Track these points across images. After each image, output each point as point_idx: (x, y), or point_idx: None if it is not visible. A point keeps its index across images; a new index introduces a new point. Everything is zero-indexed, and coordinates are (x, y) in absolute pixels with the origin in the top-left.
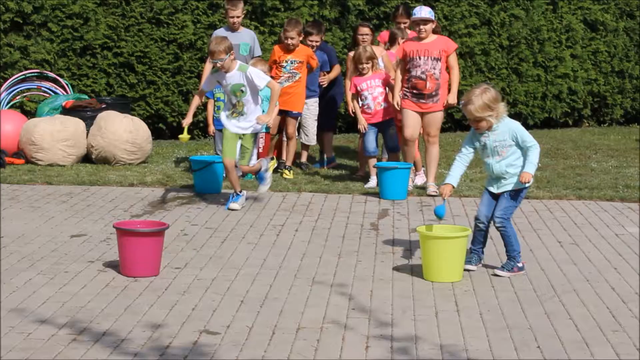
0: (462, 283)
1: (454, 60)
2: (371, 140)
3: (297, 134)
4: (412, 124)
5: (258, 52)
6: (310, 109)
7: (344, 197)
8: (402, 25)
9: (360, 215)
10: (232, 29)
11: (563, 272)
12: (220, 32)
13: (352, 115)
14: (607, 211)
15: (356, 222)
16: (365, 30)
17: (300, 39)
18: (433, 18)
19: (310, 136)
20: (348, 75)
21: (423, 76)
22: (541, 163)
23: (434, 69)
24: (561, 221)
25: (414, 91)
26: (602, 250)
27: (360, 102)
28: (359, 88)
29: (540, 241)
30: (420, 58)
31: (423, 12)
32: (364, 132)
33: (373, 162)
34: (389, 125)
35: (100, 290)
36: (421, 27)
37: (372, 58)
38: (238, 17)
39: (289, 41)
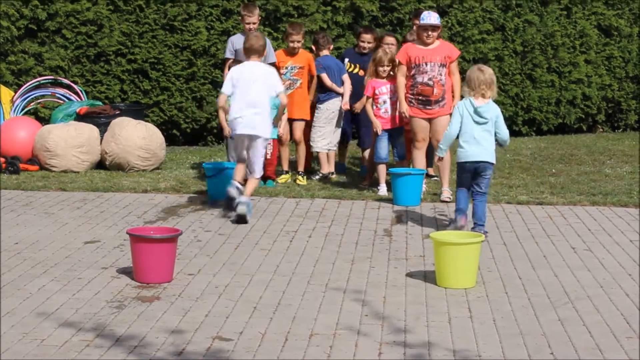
0: (475, 289)
1: (455, 67)
2: (383, 147)
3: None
4: (421, 130)
5: (272, 58)
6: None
7: (358, 203)
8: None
9: (373, 221)
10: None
11: (577, 278)
12: (237, 38)
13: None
14: (621, 217)
15: (369, 228)
16: (390, 39)
17: (301, 42)
18: (440, 24)
19: (314, 143)
20: (366, 77)
21: (430, 82)
22: (555, 169)
23: (440, 75)
24: (575, 227)
25: (420, 98)
26: (616, 257)
27: (377, 106)
28: (377, 91)
29: (554, 247)
30: (426, 64)
31: (432, 18)
32: (377, 136)
33: (382, 168)
34: (402, 133)
35: (113, 296)
36: (430, 32)
37: (393, 61)
38: (254, 23)
39: (295, 44)
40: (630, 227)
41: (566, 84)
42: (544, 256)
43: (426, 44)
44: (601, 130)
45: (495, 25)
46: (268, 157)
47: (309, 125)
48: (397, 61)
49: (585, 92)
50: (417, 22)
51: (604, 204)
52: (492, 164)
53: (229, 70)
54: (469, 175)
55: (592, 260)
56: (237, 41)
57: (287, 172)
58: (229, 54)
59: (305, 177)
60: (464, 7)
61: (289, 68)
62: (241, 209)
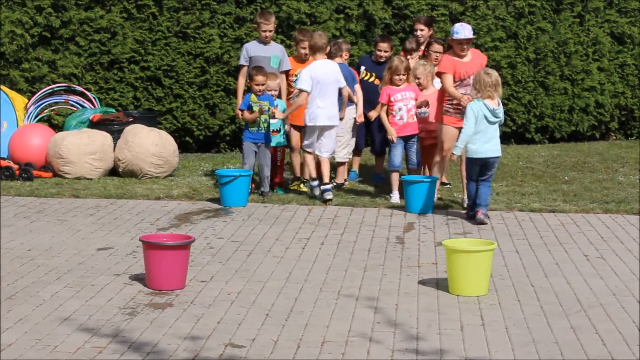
0: (488, 297)
1: None
2: (398, 155)
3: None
4: (450, 138)
5: (287, 66)
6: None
7: (370, 211)
8: (418, 32)
9: (386, 228)
10: (264, 42)
11: (589, 286)
12: (251, 45)
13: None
14: (634, 225)
15: (382, 236)
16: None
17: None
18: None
19: (335, 153)
20: (381, 85)
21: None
22: (568, 176)
23: None
24: (587, 235)
25: (460, 108)
26: (629, 264)
27: (392, 114)
28: (392, 99)
29: (566, 255)
30: (470, 78)
31: (467, 31)
32: (392, 143)
33: (396, 176)
34: (416, 140)
35: (126, 303)
36: (465, 46)
37: (409, 69)
38: (270, 31)
39: (306, 51)
40: None
41: (579, 91)
42: (556, 264)
43: (462, 57)
44: (614, 137)
45: (508, 33)
46: (278, 164)
47: None
48: (427, 70)
49: (598, 100)
50: (429, 31)
51: (616, 211)
52: (499, 157)
53: (242, 77)
54: (479, 168)
55: (605, 267)
56: (252, 48)
57: (298, 178)
58: (243, 61)
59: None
60: (477, 14)
61: (299, 75)
62: (328, 196)
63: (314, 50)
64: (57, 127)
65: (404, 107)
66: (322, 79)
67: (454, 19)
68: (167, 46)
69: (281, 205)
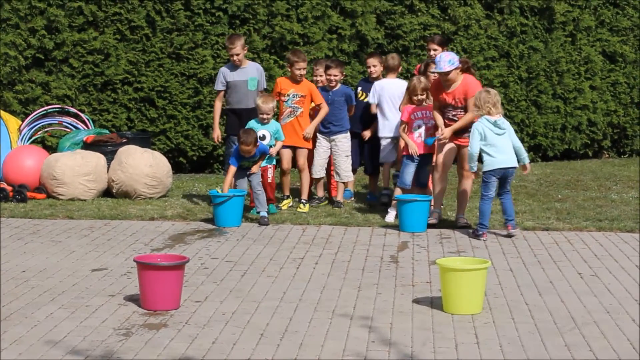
0: (482, 315)
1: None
2: (410, 173)
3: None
4: (447, 152)
5: (263, 85)
6: (339, 145)
7: (364, 230)
8: (432, 52)
9: (379, 247)
10: (236, 65)
11: (583, 303)
12: (227, 69)
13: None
14: (627, 243)
15: (376, 255)
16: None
17: (306, 70)
18: (455, 65)
19: (342, 174)
20: (401, 105)
21: (455, 118)
22: (561, 195)
23: (462, 111)
24: (581, 253)
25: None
26: (623, 282)
27: (411, 131)
28: (413, 116)
29: (560, 273)
30: (450, 109)
31: (442, 63)
32: (405, 160)
33: (398, 193)
34: (429, 161)
35: (121, 324)
36: (443, 78)
37: (426, 89)
38: (237, 54)
39: (302, 72)
40: (637, 253)
41: (571, 110)
42: (550, 282)
43: (446, 87)
44: (607, 155)
45: (500, 52)
46: (269, 180)
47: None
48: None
49: (590, 118)
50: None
51: (610, 229)
52: (516, 167)
53: (219, 101)
54: (497, 181)
55: (599, 285)
56: (228, 73)
57: (288, 197)
58: (220, 86)
59: (307, 204)
60: (469, 34)
61: (291, 96)
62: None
63: (387, 70)
64: (51, 149)
65: (424, 125)
66: (391, 94)
67: (447, 40)
68: (161, 67)
69: (275, 225)
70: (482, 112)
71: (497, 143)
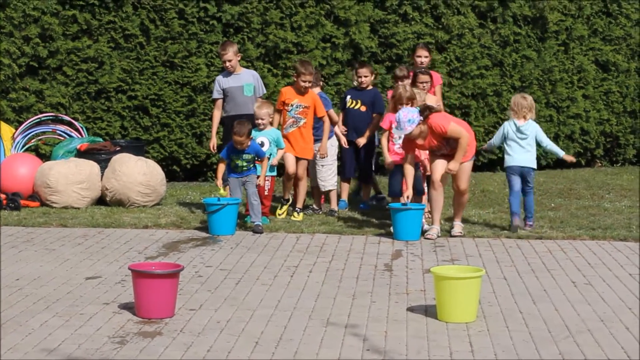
0: (476, 323)
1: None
2: (398, 180)
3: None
4: (440, 168)
5: (262, 91)
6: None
7: (358, 238)
8: (418, 59)
9: (374, 256)
10: (229, 72)
11: (577, 312)
12: (223, 76)
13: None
14: (620, 251)
15: (370, 263)
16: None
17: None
18: (416, 123)
19: (326, 182)
20: (385, 112)
21: (451, 153)
22: (554, 203)
23: (449, 145)
24: (575, 261)
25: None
26: (616, 291)
27: (392, 141)
28: (394, 126)
29: (554, 281)
30: (437, 149)
31: (402, 124)
32: (391, 169)
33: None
34: (416, 169)
35: (115, 332)
36: (411, 136)
37: (412, 99)
38: (230, 60)
39: (307, 84)
40: (630, 261)
41: (564, 118)
42: (544, 290)
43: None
44: (600, 164)
45: (493, 61)
46: (266, 193)
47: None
48: (416, 99)
49: (583, 127)
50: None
51: (603, 238)
52: (534, 168)
53: (217, 110)
54: (518, 177)
55: (592, 294)
56: (223, 81)
57: (288, 201)
58: (217, 95)
59: (301, 213)
60: (462, 42)
61: (294, 106)
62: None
63: (396, 80)
64: (45, 157)
65: (404, 135)
66: None
67: (440, 48)
68: (155, 75)
69: (269, 233)
70: (517, 116)
71: (515, 145)
